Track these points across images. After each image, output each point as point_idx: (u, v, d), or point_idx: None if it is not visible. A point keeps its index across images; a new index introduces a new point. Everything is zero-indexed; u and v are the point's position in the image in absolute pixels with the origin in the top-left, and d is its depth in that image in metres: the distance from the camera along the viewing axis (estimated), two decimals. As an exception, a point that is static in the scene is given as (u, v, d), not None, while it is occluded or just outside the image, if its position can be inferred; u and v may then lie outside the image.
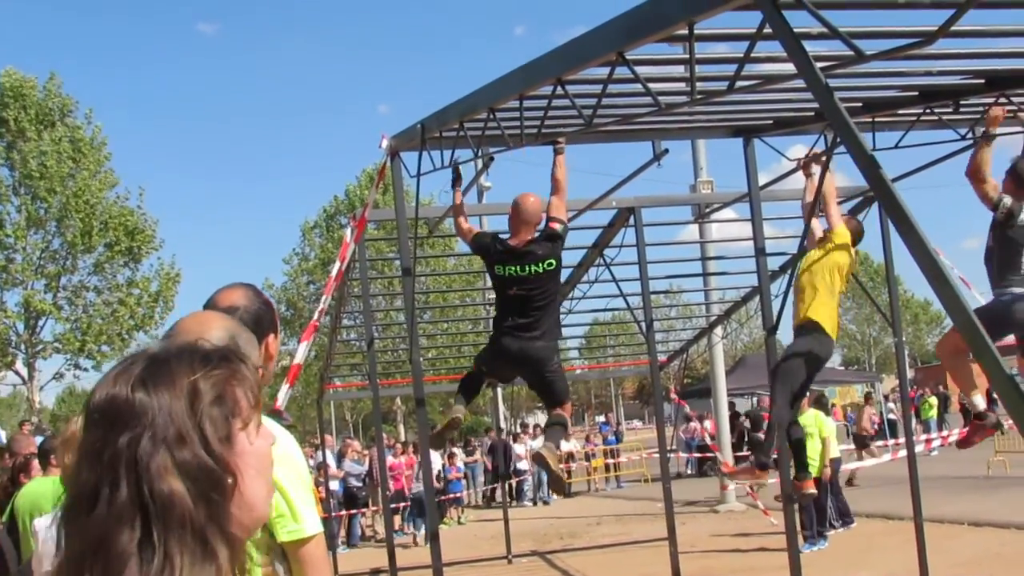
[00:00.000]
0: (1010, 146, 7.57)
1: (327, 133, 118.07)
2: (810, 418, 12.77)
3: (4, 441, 11.74)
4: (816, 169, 7.92)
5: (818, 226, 8.08)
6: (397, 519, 19.16)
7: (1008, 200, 6.62)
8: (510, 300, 7.15)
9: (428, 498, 8.48)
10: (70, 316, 26.69)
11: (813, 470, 11.83)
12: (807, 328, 7.68)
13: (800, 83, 5.97)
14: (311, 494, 2.75)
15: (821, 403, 16.38)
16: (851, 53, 3.53)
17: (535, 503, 25.00)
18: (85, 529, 1.26)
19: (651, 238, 11.20)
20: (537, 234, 7.18)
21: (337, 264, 10.41)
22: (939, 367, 55.71)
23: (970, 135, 7.24)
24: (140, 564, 1.23)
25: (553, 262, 7.10)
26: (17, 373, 27.00)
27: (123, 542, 1.24)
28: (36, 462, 6.64)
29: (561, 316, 14.95)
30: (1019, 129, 7.68)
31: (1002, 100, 6.69)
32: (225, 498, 1.31)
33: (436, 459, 19.76)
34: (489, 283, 10.07)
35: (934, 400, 28.32)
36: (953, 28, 3.56)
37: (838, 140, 7.39)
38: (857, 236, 8.21)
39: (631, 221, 10.88)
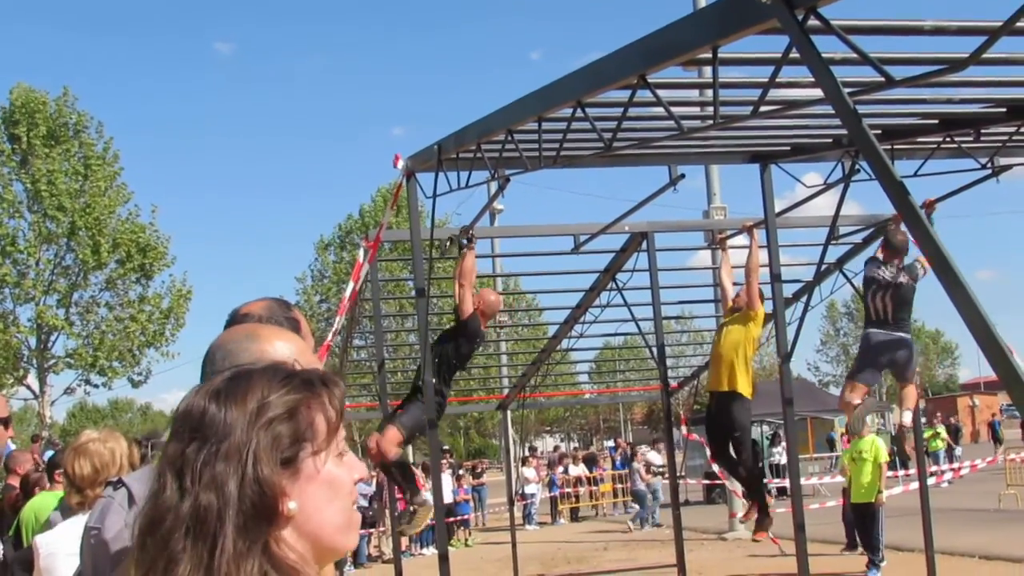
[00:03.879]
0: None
1: (341, 153, 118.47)
2: (867, 444, 12.73)
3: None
4: (730, 245, 9.93)
5: (731, 292, 9.72)
6: (404, 539, 19.04)
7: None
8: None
9: (438, 519, 8.42)
10: (82, 332, 26.72)
11: (870, 495, 12.50)
12: (735, 397, 9.32)
13: (818, 109, 5.99)
14: None
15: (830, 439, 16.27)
16: (879, 79, 3.49)
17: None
18: (159, 532, 1.26)
19: (663, 263, 11.15)
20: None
21: (351, 285, 10.38)
22: (949, 398, 55.35)
23: (990, 164, 7.20)
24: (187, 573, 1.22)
25: None
26: (28, 388, 27.02)
27: (176, 550, 1.23)
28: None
29: (572, 340, 14.91)
30: None
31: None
32: (267, 521, 1.27)
33: (447, 480, 19.66)
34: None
35: (943, 431, 27.98)
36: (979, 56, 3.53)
37: (855, 168, 7.39)
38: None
39: (644, 246, 10.82)
